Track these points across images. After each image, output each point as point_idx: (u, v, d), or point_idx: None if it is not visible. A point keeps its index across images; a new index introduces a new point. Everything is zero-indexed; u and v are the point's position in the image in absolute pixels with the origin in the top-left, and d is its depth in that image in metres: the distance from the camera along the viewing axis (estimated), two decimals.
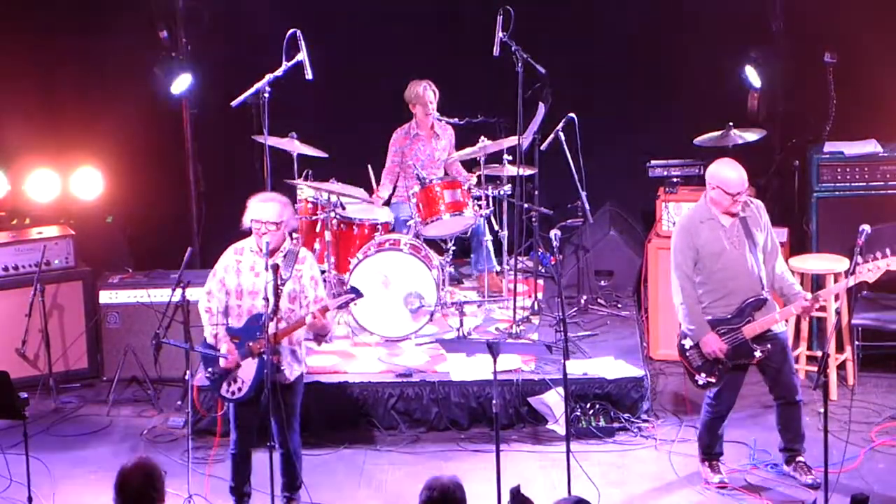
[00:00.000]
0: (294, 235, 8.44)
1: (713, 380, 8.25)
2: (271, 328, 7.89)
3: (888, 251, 7.94)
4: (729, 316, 8.17)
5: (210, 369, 8.15)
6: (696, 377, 8.29)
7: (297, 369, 8.18)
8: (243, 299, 8.10)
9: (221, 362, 8.09)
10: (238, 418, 8.19)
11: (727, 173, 8.16)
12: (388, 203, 10.74)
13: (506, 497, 6.90)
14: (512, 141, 10.06)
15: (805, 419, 8.44)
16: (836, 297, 9.41)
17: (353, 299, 8.32)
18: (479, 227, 10.54)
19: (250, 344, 8.01)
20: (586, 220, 10.37)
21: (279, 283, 7.89)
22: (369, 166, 10.52)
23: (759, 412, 9.23)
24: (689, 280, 8.22)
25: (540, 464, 8.76)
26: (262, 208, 8.03)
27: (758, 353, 8.17)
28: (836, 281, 9.34)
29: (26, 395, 7.90)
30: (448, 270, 10.44)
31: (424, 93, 10.58)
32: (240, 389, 8.09)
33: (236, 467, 8.24)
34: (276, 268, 7.88)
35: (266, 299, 7.84)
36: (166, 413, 9.67)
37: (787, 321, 8.31)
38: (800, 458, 8.39)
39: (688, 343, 8.26)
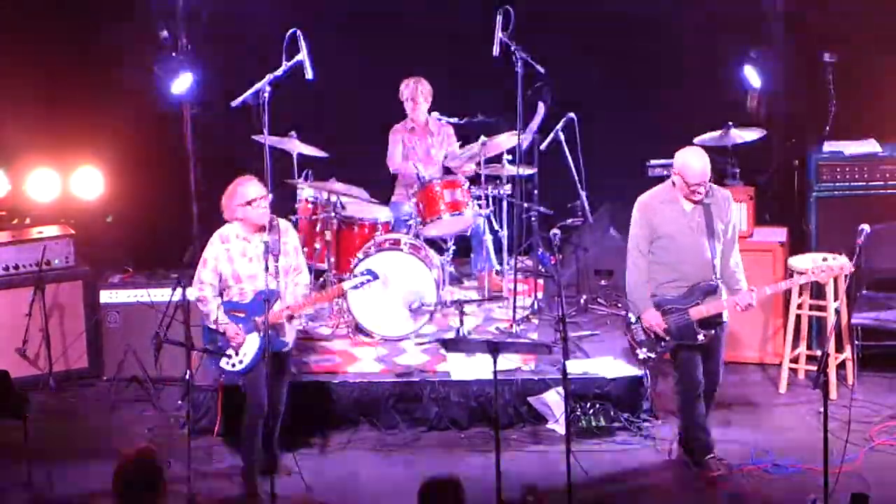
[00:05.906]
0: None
1: (653, 355, 8.39)
2: (277, 305, 8.24)
3: (842, 254, 7.93)
4: (677, 295, 8.24)
5: (215, 341, 8.35)
6: (638, 351, 8.45)
7: (293, 334, 8.53)
8: (244, 283, 8.34)
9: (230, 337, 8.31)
10: (249, 388, 8.38)
11: (690, 162, 8.18)
12: (388, 202, 10.75)
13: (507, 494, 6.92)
14: (511, 140, 10.06)
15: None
16: (836, 296, 9.43)
17: (368, 281, 8.73)
18: (479, 226, 10.54)
19: (256, 319, 8.28)
20: (586, 219, 10.37)
21: (276, 262, 8.24)
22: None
23: (758, 412, 9.24)
24: (640, 254, 8.30)
25: (540, 464, 8.76)
26: (257, 187, 8.33)
27: (700, 337, 8.26)
28: (836, 281, 9.34)
29: (26, 395, 7.91)
30: (448, 270, 10.44)
31: (407, 88, 10.62)
32: (241, 362, 8.37)
33: (251, 440, 8.41)
34: (267, 246, 8.19)
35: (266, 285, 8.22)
36: (166, 413, 9.68)
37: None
38: (712, 454, 8.46)
39: (632, 317, 8.36)
